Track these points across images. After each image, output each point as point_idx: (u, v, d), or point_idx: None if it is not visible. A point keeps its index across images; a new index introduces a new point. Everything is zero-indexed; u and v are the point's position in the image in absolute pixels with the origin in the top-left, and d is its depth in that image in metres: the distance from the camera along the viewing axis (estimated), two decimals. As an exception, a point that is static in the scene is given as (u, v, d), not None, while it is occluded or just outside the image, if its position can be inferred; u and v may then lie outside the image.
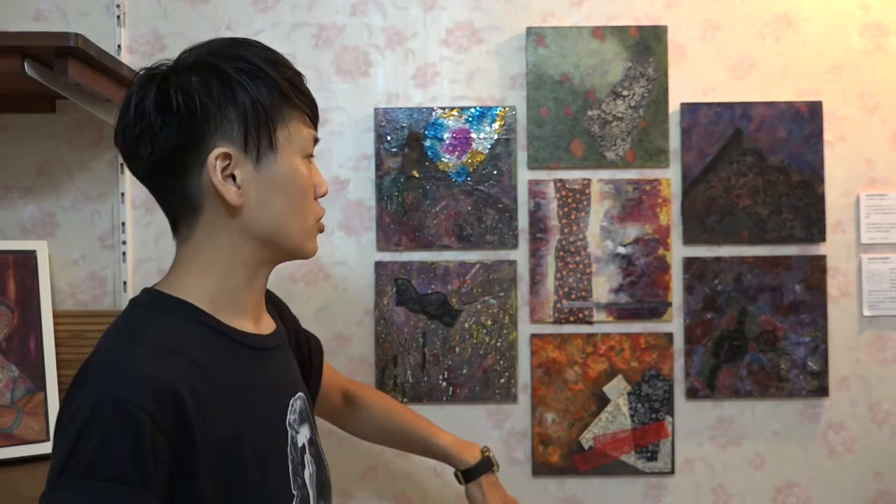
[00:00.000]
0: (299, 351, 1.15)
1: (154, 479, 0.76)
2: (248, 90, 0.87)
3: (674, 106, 1.56)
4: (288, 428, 0.93)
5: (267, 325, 0.98)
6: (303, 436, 0.96)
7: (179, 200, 0.89)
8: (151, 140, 0.86)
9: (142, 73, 0.90)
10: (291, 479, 0.91)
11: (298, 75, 0.93)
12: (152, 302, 0.88)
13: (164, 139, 0.86)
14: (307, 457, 0.96)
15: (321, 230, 0.97)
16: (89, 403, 0.76)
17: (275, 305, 1.09)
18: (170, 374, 0.80)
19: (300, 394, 0.99)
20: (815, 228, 1.54)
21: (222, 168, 0.86)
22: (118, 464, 0.74)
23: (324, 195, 0.95)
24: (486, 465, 1.30)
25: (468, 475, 1.29)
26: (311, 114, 0.94)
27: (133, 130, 0.87)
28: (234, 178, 0.87)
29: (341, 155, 1.56)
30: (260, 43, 0.92)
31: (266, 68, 0.89)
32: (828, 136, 1.56)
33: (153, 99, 0.86)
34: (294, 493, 0.91)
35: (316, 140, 0.95)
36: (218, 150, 0.86)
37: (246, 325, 0.93)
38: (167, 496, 0.78)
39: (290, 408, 0.95)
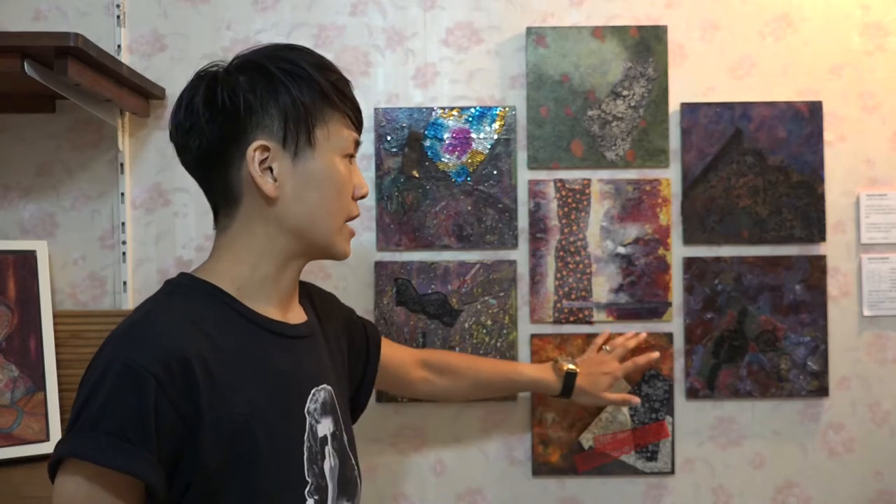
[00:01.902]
0: (354, 340, 1.20)
1: (154, 439, 0.81)
2: (290, 89, 0.93)
3: (674, 106, 1.56)
4: (306, 415, 0.96)
5: (296, 316, 1.02)
6: (324, 427, 0.99)
7: (222, 191, 0.95)
8: (199, 134, 0.93)
9: (197, 73, 0.97)
10: (306, 465, 0.94)
11: (344, 81, 0.99)
12: (181, 283, 0.95)
13: (209, 132, 0.93)
14: (328, 449, 0.99)
15: (352, 234, 1.02)
16: (102, 364, 0.83)
17: (312, 299, 1.13)
18: (181, 343, 0.85)
19: (326, 386, 1.02)
20: (815, 228, 1.54)
21: (261, 160, 0.93)
22: (120, 420, 0.80)
23: (363, 196, 1.00)
24: (570, 378, 1.40)
25: (566, 394, 1.40)
26: (353, 117, 0.99)
27: (184, 126, 0.94)
28: (271, 170, 0.93)
29: (341, 155, 1.56)
30: (310, 49, 0.99)
31: (310, 70, 0.95)
32: (828, 136, 1.56)
33: (202, 96, 0.93)
34: (308, 479, 0.93)
35: (357, 143, 1.00)
36: (257, 143, 0.92)
37: (272, 313, 0.97)
38: (173, 459, 0.83)
39: (311, 397, 0.98)
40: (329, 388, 1.02)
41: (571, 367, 1.40)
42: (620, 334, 1.49)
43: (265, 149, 0.92)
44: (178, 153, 0.97)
